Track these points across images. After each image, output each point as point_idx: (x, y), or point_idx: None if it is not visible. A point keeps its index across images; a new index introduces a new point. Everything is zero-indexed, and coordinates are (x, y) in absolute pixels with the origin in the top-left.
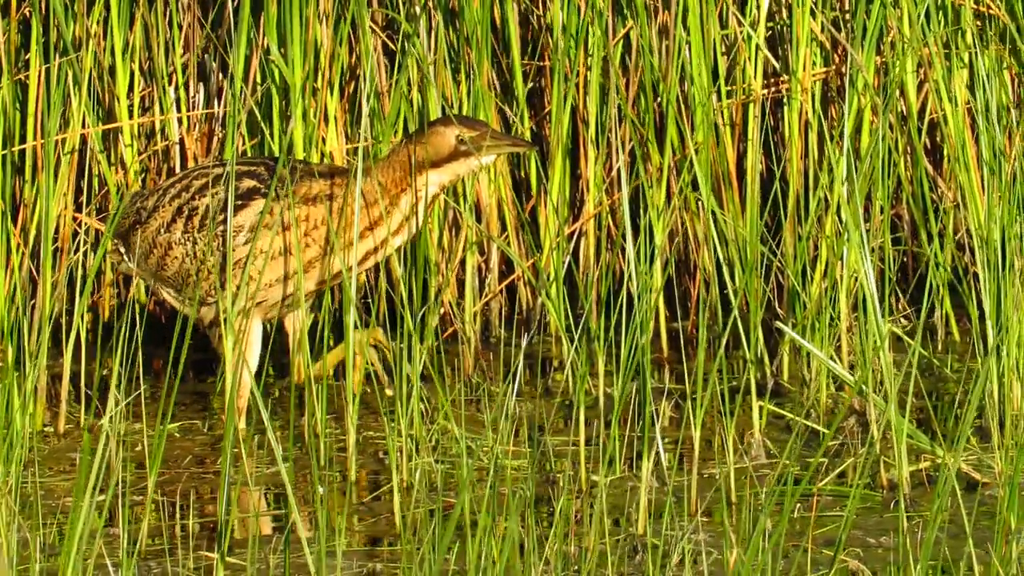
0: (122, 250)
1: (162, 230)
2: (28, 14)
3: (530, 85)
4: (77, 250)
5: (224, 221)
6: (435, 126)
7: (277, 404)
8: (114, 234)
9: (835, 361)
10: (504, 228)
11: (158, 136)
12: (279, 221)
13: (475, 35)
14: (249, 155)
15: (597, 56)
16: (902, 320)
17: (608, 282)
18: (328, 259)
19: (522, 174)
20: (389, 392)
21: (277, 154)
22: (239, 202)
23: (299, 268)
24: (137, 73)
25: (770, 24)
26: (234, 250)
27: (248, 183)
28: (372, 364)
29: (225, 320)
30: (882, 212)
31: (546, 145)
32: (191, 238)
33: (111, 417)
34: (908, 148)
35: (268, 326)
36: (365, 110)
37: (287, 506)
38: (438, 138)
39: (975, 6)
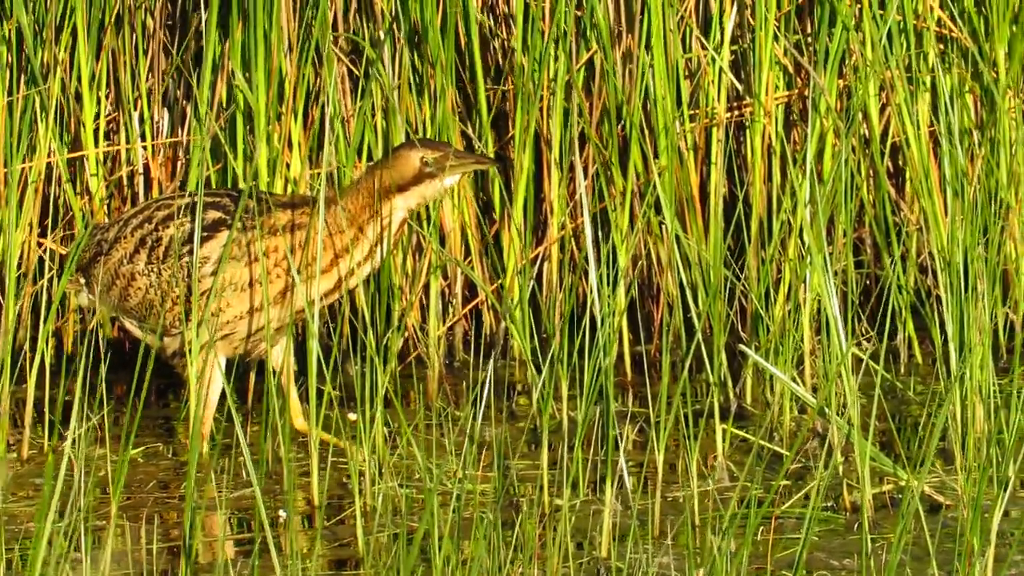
0: (82, 282)
1: (125, 261)
2: None
3: (494, 110)
4: (42, 276)
5: (190, 252)
6: (399, 150)
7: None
8: (76, 267)
9: (798, 384)
10: (468, 252)
11: (123, 162)
12: (246, 252)
13: (439, 60)
14: (213, 186)
15: (561, 80)
16: (865, 343)
17: (572, 306)
18: (292, 292)
19: (485, 198)
20: (352, 417)
21: (242, 183)
22: (205, 233)
23: (266, 300)
24: (103, 99)
25: (733, 47)
26: (200, 281)
27: (213, 214)
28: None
29: (189, 351)
30: (845, 235)
31: (510, 169)
32: (155, 269)
33: (74, 442)
34: (871, 171)
35: (237, 362)
36: (328, 136)
37: (252, 530)
38: (403, 161)
39: (937, 29)
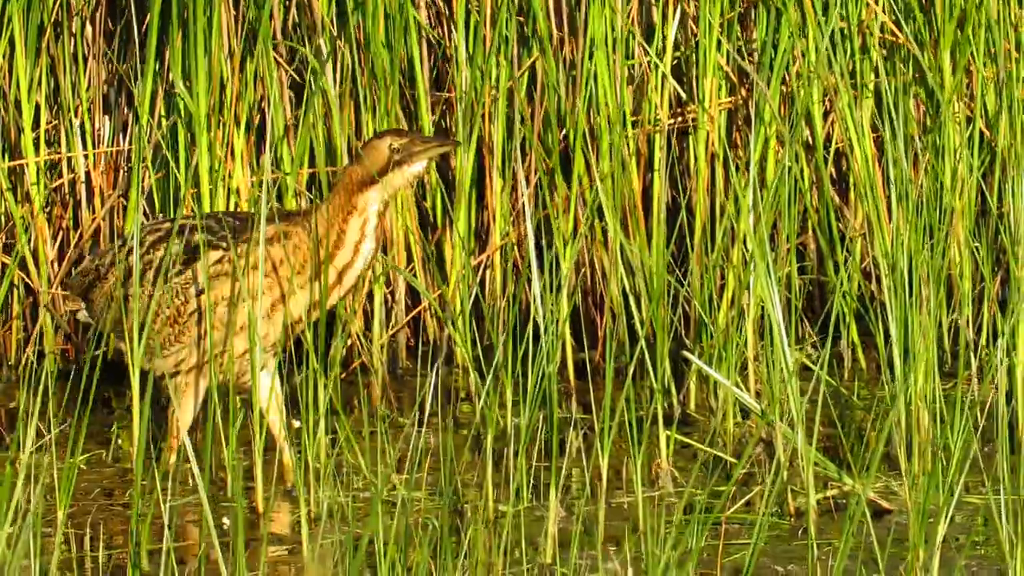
0: (82, 305)
1: (118, 285)
2: None
3: (436, 116)
4: None
5: (178, 274)
6: (368, 141)
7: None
8: (76, 292)
9: (742, 390)
10: (410, 259)
11: (64, 169)
12: (233, 269)
13: (381, 67)
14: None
15: (503, 87)
16: (809, 349)
17: (515, 313)
18: (286, 302)
19: (428, 205)
20: (296, 424)
21: (184, 189)
22: (188, 256)
23: (251, 320)
24: (43, 106)
25: (676, 54)
26: (186, 303)
27: (199, 236)
28: None
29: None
30: (788, 241)
31: (452, 176)
32: (146, 292)
33: (19, 449)
34: (814, 177)
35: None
36: (269, 144)
37: (198, 537)
38: (373, 152)
39: (881, 35)
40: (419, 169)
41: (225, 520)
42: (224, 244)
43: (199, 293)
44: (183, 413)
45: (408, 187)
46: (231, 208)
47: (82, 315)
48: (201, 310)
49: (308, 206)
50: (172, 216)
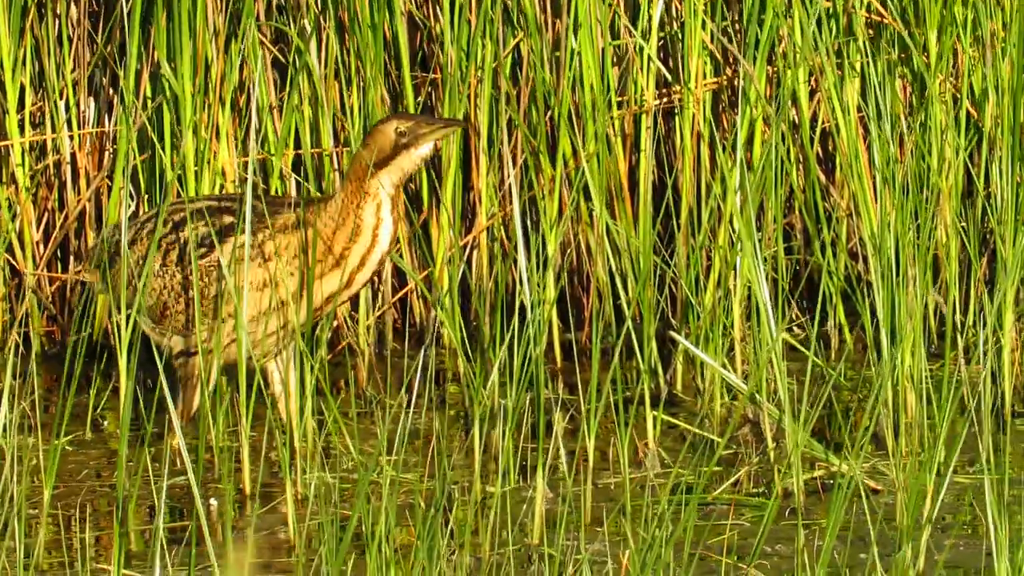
0: (99, 279)
1: (140, 263)
2: None
3: (422, 97)
4: None
5: (203, 256)
6: (375, 126)
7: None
8: (95, 266)
9: (729, 370)
10: (397, 240)
11: (49, 151)
12: (260, 253)
13: (366, 48)
14: (222, 192)
15: (488, 68)
16: (796, 329)
17: (502, 294)
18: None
19: (414, 187)
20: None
21: (169, 172)
22: (218, 238)
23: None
24: (28, 87)
25: (661, 34)
26: (209, 285)
27: (227, 219)
28: None
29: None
30: (775, 222)
31: (438, 157)
32: (169, 272)
33: (4, 430)
34: (800, 157)
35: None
36: (254, 123)
37: (184, 518)
38: (380, 136)
39: (867, 14)
40: (426, 151)
41: (213, 501)
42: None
43: (222, 278)
44: (193, 393)
45: (416, 169)
46: (217, 191)
47: (99, 287)
48: (223, 293)
49: (329, 193)
50: (194, 196)
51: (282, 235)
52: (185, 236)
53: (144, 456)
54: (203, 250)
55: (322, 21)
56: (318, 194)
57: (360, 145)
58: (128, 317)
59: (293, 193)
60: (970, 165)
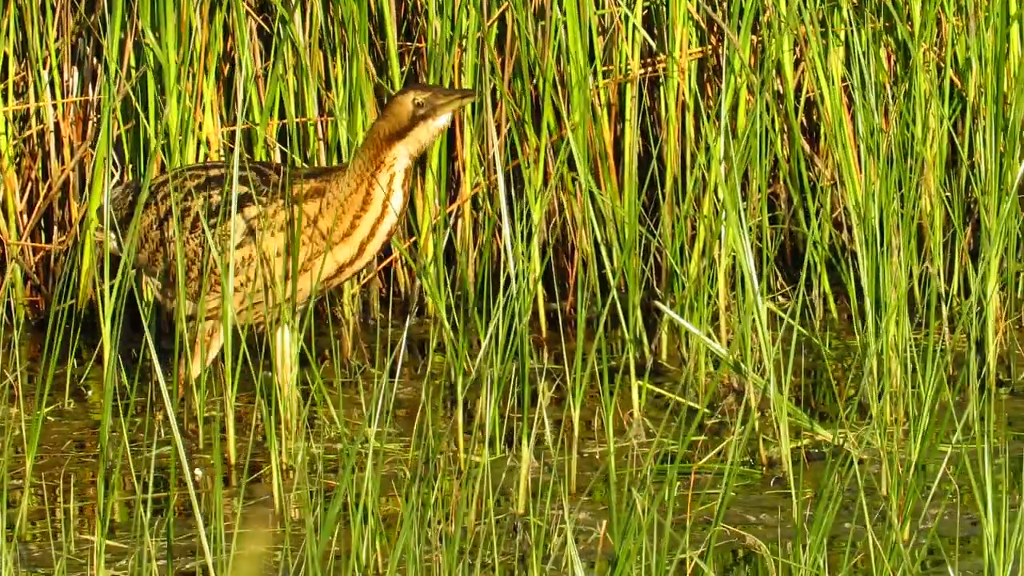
0: (113, 237)
1: (154, 226)
2: None
3: (406, 67)
4: None
5: (214, 226)
6: (393, 97)
7: (156, 387)
8: (108, 223)
9: (714, 340)
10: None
11: (33, 120)
12: (273, 224)
13: (351, 17)
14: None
15: (472, 36)
16: (781, 299)
17: (487, 263)
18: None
19: None
20: (268, 375)
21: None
22: (231, 208)
23: (292, 271)
24: (11, 57)
25: (646, 3)
26: (224, 253)
27: (241, 188)
28: None
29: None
30: (759, 191)
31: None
32: (182, 238)
33: None
34: (785, 127)
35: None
36: (239, 94)
37: (167, 488)
38: (398, 107)
39: None
40: (443, 123)
41: (198, 471)
42: (264, 199)
43: (238, 246)
44: (197, 359)
45: (433, 141)
46: (202, 160)
47: (111, 247)
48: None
49: (344, 163)
50: (217, 162)
51: (297, 204)
52: (199, 204)
53: (127, 427)
54: (216, 219)
55: None
56: (336, 164)
57: (379, 114)
58: (119, 285)
59: (278, 161)
60: (954, 134)
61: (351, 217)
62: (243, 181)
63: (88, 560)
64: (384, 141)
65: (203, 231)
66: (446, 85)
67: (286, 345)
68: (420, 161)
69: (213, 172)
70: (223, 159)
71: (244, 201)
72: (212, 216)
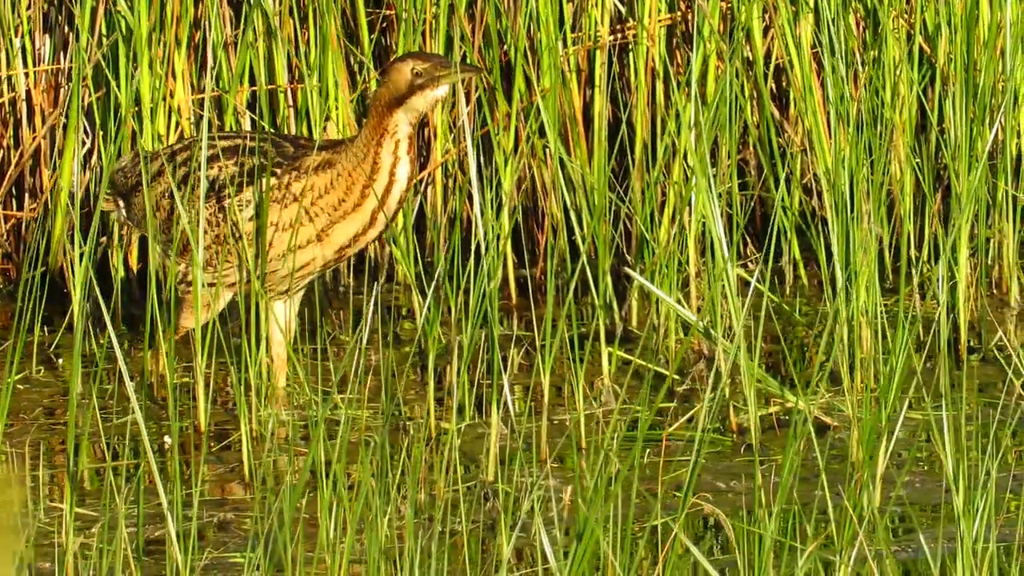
0: (120, 204)
1: (166, 195)
2: None
3: (376, 33)
4: None
5: (222, 198)
6: (392, 63)
7: (126, 356)
8: (113, 191)
9: (684, 306)
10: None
11: (4, 88)
12: (287, 194)
13: None
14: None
15: (444, 3)
16: (751, 265)
17: (457, 230)
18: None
19: None
20: (237, 342)
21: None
22: (246, 179)
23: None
24: None
25: None
26: (236, 226)
27: (259, 159)
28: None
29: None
30: (729, 157)
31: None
32: (194, 207)
33: None
34: (754, 93)
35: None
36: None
37: (138, 456)
38: (396, 75)
39: None
40: (441, 93)
41: (167, 439)
42: (278, 171)
43: (251, 217)
44: (189, 314)
45: (430, 110)
46: (173, 128)
47: (117, 215)
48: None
49: (354, 134)
50: (230, 131)
51: (309, 176)
52: (212, 175)
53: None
54: (230, 189)
55: None
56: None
57: (379, 82)
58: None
59: (247, 128)
60: (924, 100)
61: (360, 187)
62: (260, 153)
63: (57, 528)
64: (385, 108)
65: (216, 201)
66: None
67: (285, 315)
68: None
69: (224, 143)
70: (237, 130)
71: (260, 171)
72: (227, 187)
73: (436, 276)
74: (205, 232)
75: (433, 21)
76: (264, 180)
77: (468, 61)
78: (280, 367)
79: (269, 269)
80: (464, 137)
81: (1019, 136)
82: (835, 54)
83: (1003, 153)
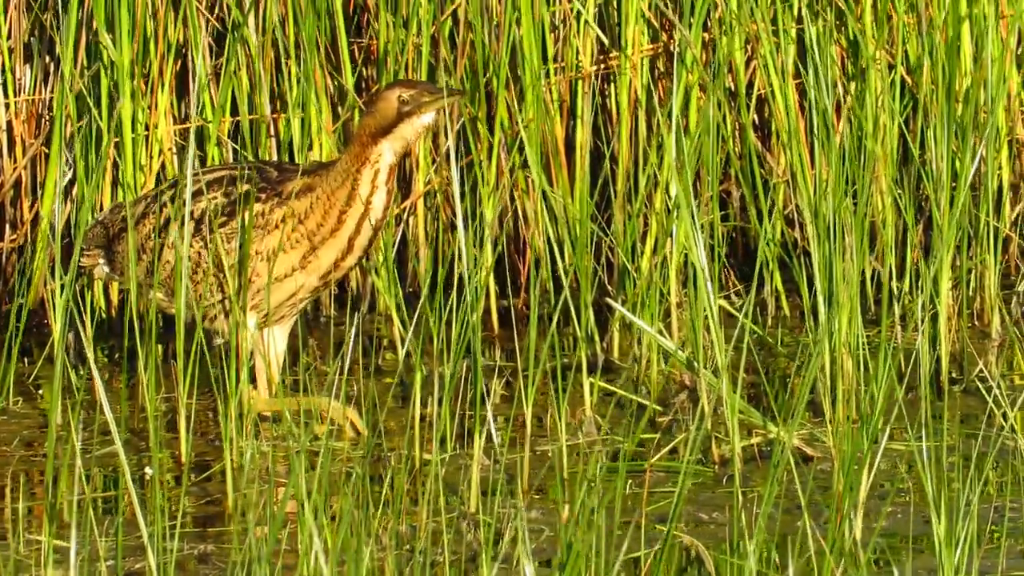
0: (101, 259)
1: (153, 235)
2: None
3: (359, 62)
4: None
5: (222, 225)
6: (379, 92)
7: (107, 386)
8: (92, 245)
9: (665, 337)
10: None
11: None
12: (269, 222)
13: (302, 15)
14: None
15: (426, 33)
16: (733, 296)
17: (439, 260)
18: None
19: None
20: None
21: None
22: (233, 207)
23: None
24: None
25: (598, 1)
26: (228, 254)
27: (243, 187)
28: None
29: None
30: (710, 188)
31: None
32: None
33: None
34: (737, 124)
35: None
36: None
37: (118, 488)
38: (383, 103)
39: None
40: (428, 120)
41: (148, 470)
42: (263, 196)
43: (239, 246)
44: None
45: (418, 138)
46: (156, 157)
47: (99, 271)
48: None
49: (336, 157)
50: (212, 166)
51: (289, 202)
52: (202, 207)
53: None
54: (219, 219)
55: None
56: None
57: (364, 110)
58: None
59: (230, 159)
60: (906, 131)
61: (337, 212)
62: (246, 181)
63: (36, 560)
64: (369, 137)
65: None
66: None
67: (276, 345)
68: None
69: (209, 176)
70: (221, 162)
71: (234, 205)
72: (217, 218)
73: (418, 307)
74: (198, 265)
75: (415, 51)
76: (248, 207)
77: (456, 87)
78: (263, 394)
79: (265, 295)
80: (447, 166)
81: (1000, 168)
82: (819, 85)
83: (984, 184)
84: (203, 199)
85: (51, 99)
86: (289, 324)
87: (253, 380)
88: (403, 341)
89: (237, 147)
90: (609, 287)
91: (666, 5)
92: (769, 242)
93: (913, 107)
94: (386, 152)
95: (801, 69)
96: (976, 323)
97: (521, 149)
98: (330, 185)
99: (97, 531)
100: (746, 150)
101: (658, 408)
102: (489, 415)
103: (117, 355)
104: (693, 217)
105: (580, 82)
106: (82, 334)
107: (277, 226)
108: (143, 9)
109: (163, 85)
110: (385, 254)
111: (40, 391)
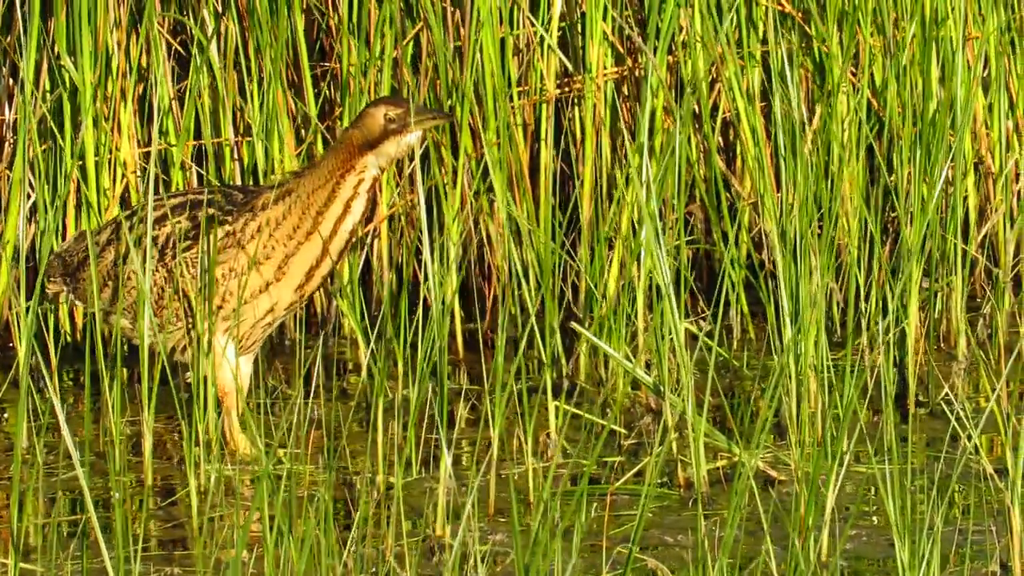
0: (65, 287)
1: (118, 261)
2: None
3: (323, 86)
4: None
5: (187, 248)
6: (366, 108)
7: (72, 409)
8: (56, 273)
9: (631, 361)
10: (370, 219)
11: None
12: (243, 236)
13: (266, 39)
14: (196, 185)
15: (388, 57)
16: (700, 320)
17: (404, 283)
18: (290, 261)
19: None
20: (185, 396)
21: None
22: (197, 232)
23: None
24: None
25: (562, 24)
26: (194, 279)
27: (210, 210)
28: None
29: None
30: (675, 211)
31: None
32: (152, 268)
33: None
34: (702, 147)
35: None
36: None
37: (83, 511)
38: (369, 119)
39: (768, 3)
40: (413, 140)
41: (115, 493)
42: (230, 219)
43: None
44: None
45: (403, 156)
46: (119, 181)
47: (65, 298)
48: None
49: (315, 161)
50: (175, 191)
51: (263, 212)
52: (167, 232)
53: (41, 449)
54: (184, 243)
55: (219, 9)
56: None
57: (350, 124)
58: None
59: (195, 183)
60: (876, 148)
61: (314, 213)
62: (211, 204)
63: None
64: (356, 149)
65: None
66: (358, 108)
67: (241, 368)
68: None
69: (173, 201)
70: (184, 187)
71: (211, 223)
72: (182, 242)
73: (383, 330)
74: (163, 289)
75: (378, 74)
76: (213, 230)
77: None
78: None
79: (235, 317)
80: (410, 190)
81: (967, 191)
82: (790, 107)
83: (952, 206)
84: (168, 223)
85: (14, 121)
86: (256, 351)
87: (219, 408)
88: (368, 364)
89: (202, 171)
90: (575, 309)
91: (631, 27)
92: (735, 264)
93: (879, 129)
94: (371, 165)
95: (768, 89)
96: (942, 345)
97: (485, 174)
98: (311, 184)
99: (63, 555)
100: (711, 173)
101: (624, 431)
102: (455, 438)
103: (82, 378)
104: (659, 240)
105: (544, 106)
106: (41, 360)
107: (252, 237)
108: (105, 32)
109: (125, 108)
110: (350, 276)
111: (5, 414)
